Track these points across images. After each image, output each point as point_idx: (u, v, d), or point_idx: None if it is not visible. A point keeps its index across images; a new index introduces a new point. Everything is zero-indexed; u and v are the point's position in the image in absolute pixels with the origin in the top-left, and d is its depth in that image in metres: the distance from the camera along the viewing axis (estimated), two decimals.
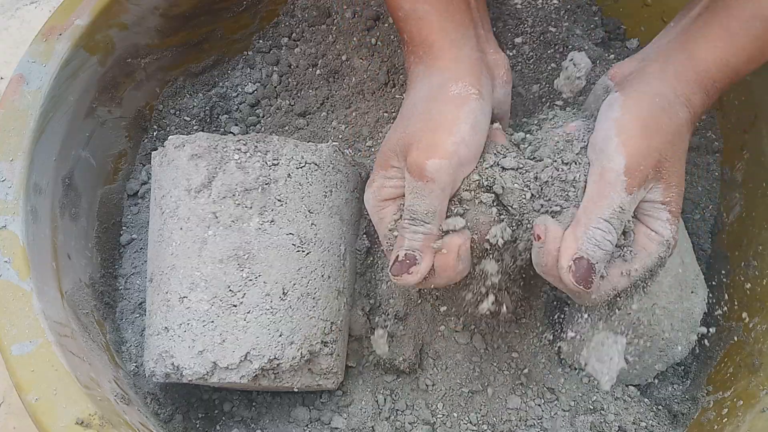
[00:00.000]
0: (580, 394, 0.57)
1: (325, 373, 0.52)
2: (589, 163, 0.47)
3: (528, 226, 0.47)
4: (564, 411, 0.56)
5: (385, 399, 0.56)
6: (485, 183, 0.47)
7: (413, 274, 0.46)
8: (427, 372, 0.56)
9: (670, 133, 0.46)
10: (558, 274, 0.45)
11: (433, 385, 0.56)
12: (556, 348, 0.57)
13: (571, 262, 0.44)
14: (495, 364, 0.57)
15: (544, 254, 0.46)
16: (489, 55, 0.52)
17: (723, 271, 0.60)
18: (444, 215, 0.47)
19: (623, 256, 0.46)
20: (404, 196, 0.48)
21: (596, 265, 0.44)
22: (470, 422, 0.55)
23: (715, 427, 0.52)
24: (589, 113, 0.51)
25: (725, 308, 0.59)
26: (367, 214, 0.57)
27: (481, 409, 0.56)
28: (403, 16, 0.50)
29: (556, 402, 0.56)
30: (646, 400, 0.57)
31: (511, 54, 0.63)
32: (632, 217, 0.47)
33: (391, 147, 0.48)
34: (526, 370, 0.57)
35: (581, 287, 0.44)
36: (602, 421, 0.56)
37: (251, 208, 0.50)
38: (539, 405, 0.56)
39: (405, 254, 0.47)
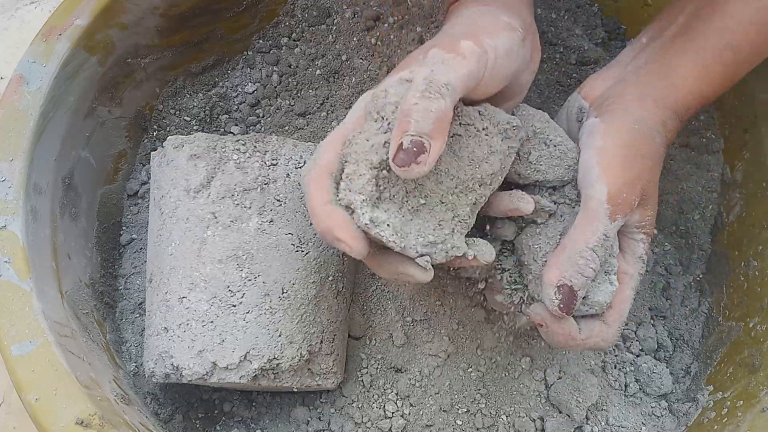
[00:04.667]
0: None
1: (324, 373, 0.52)
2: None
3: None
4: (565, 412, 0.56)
5: (385, 398, 0.56)
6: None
7: (421, 164, 0.39)
8: (427, 370, 0.56)
9: (650, 159, 0.47)
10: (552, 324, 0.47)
11: (433, 384, 0.56)
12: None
13: (555, 288, 0.45)
14: (499, 360, 0.57)
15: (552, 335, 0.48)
16: (534, 35, 0.50)
17: (723, 271, 0.60)
18: (455, 102, 0.41)
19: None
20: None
21: (578, 292, 0.45)
22: (473, 422, 0.55)
23: (715, 427, 0.52)
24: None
25: (725, 308, 0.59)
26: None
27: (483, 408, 0.56)
28: None
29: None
30: (646, 399, 0.57)
31: None
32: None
33: (422, 48, 0.45)
34: (530, 370, 0.57)
35: (563, 313, 0.45)
36: (604, 420, 0.56)
37: (250, 208, 0.50)
38: (542, 403, 0.56)
39: (411, 140, 0.39)
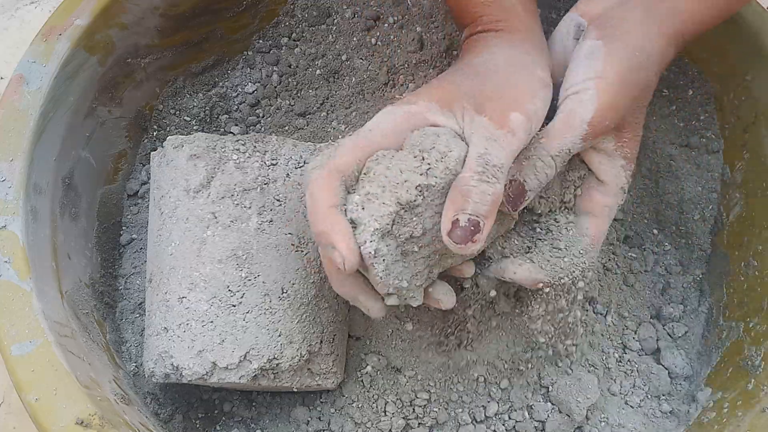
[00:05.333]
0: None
1: (324, 373, 0.52)
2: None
3: None
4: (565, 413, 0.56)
5: (385, 398, 0.56)
6: None
7: (477, 242, 0.42)
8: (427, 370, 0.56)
9: (638, 89, 0.47)
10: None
11: (433, 384, 0.56)
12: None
13: (507, 182, 0.45)
14: (499, 360, 0.57)
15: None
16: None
17: (723, 271, 0.60)
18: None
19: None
20: (456, 140, 0.44)
21: (528, 192, 0.46)
22: (475, 420, 0.56)
23: (715, 427, 0.52)
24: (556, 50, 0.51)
25: (725, 308, 0.59)
26: None
27: (484, 407, 0.56)
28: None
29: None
30: (646, 399, 0.57)
31: None
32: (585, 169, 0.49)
33: (461, 93, 0.45)
34: (530, 370, 0.57)
35: (508, 208, 0.45)
36: (604, 420, 0.56)
37: (250, 208, 0.50)
38: (542, 402, 0.56)
39: (468, 219, 0.41)
